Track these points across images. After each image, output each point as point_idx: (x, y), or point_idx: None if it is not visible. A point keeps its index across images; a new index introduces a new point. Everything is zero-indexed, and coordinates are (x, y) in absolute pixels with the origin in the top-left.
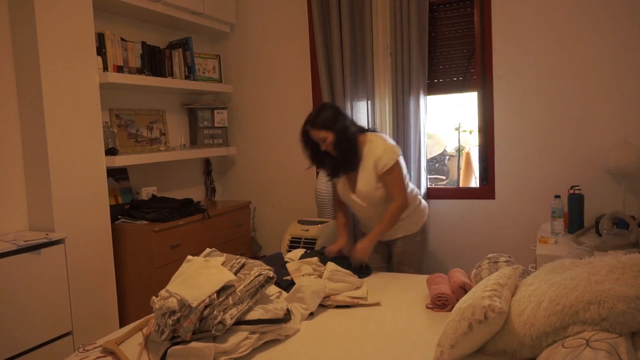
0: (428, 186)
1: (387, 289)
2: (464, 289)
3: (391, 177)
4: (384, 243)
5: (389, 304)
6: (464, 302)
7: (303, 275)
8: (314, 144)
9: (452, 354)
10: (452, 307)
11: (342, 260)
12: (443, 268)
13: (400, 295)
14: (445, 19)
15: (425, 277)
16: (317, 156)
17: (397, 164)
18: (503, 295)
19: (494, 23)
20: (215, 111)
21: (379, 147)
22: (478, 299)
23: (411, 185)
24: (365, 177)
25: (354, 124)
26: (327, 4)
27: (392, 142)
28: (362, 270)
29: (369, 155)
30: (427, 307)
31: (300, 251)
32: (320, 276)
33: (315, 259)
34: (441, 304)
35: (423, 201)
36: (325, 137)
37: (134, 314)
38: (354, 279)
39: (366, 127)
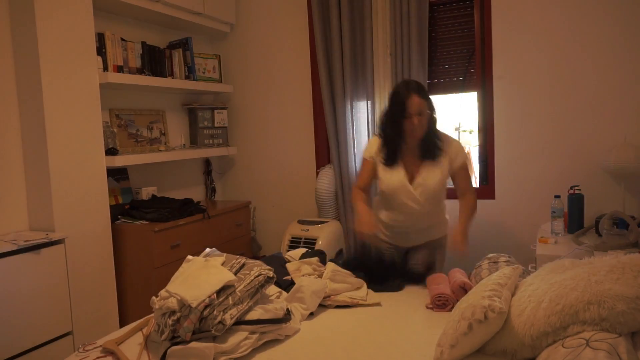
0: None
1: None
2: (464, 289)
3: (466, 173)
4: (402, 251)
5: (389, 304)
6: (464, 302)
7: (303, 275)
8: (399, 119)
9: (452, 354)
10: (452, 307)
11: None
12: (443, 268)
13: (400, 295)
14: (445, 19)
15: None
16: (396, 130)
17: (470, 167)
18: (503, 295)
19: (494, 23)
20: (215, 111)
21: (453, 141)
22: (478, 298)
23: None
24: (435, 169)
25: None
26: (327, 4)
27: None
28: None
29: (444, 147)
30: (427, 307)
31: (300, 250)
32: (320, 276)
33: (315, 259)
34: (441, 304)
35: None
36: (424, 111)
37: (134, 314)
38: (354, 279)
39: None
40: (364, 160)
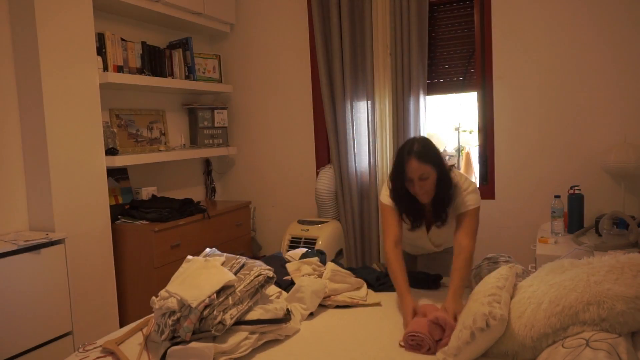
0: None
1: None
2: (439, 325)
3: (470, 219)
4: (412, 256)
5: (390, 304)
6: (464, 310)
7: (303, 275)
8: (404, 185)
9: None
10: (429, 349)
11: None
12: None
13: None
14: (445, 19)
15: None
16: (407, 198)
17: (478, 210)
18: (502, 298)
19: (494, 23)
20: (215, 111)
21: (466, 188)
22: (478, 305)
23: None
24: (444, 228)
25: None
26: (327, 4)
27: (471, 180)
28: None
29: (455, 197)
30: (400, 346)
31: (300, 250)
32: (320, 276)
33: (315, 259)
34: (415, 344)
35: None
36: (428, 175)
37: (134, 314)
38: (354, 279)
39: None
40: (386, 207)
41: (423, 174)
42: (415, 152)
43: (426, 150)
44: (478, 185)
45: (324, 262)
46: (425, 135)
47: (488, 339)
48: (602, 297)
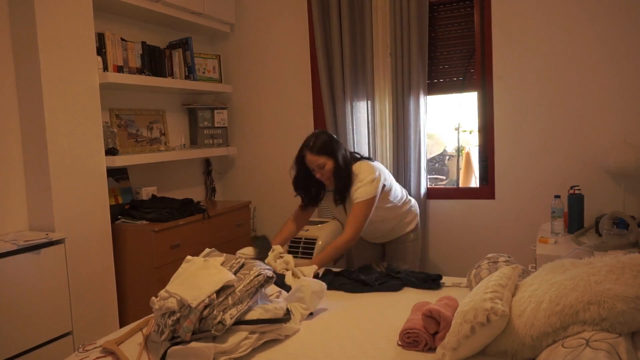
0: (428, 186)
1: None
2: (433, 318)
3: (357, 210)
4: (378, 244)
5: (389, 305)
6: (465, 304)
7: (280, 271)
8: (306, 171)
9: (454, 356)
10: (426, 345)
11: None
12: (443, 268)
13: (400, 297)
14: (445, 19)
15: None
16: (305, 183)
17: (369, 201)
18: (504, 296)
19: (494, 23)
20: (215, 111)
21: (362, 179)
22: (480, 301)
23: (401, 193)
24: (348, 204)
25: (347, 151)
26: (327, 4)
27: (377, 174)
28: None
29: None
30: (398, 345)
31: (249, 249)
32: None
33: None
34: (411, 341)
35: (412, 200)
36: (324, 164)
37: (134, 314)
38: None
39: (358, 155)
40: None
41: (320, 164)
42: (310, 146)
43: (320, 144)
44: (478, 186)
45: (264, 246)
46: (326, 131)
47: (488, 335)
48: (602, 296)
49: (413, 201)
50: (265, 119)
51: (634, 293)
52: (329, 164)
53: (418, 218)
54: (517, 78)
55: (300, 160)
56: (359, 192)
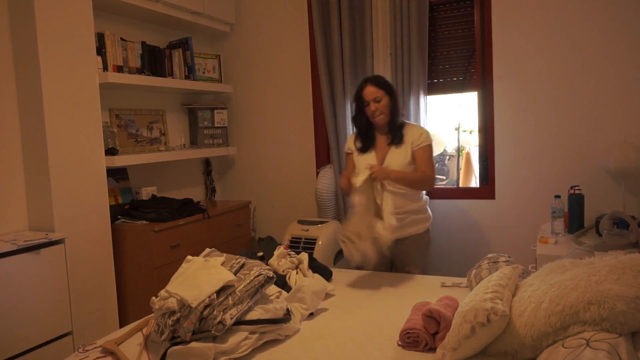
0: None
1: (389, 290)
2: (433, 318)
3: (425, 154)
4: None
5: (390, 304)
6: (465, 305)
7: (283, 271)
8: (361, 108)
9: (454, 356)
10: (426, 345)
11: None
12: (443, 268)
13: (400, 297)
14: (445, 19)
15: (430, 277)
16: (362, 120)
17: (431, 146)
18: (504, 296)
19: (494, 23)
20: (215, 111)
21: (417, 127)
22: (480, 301)
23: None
24: (399, 153)
25: None
26: (327, 4)
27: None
28: None
29: (407, 133)
30: (398, 345)
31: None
32: (297, 267)
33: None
34: (412, 341)
35: (427, 199)
36: (381, 98)
37: (134, 314)
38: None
39: None
40: (346, 155)
41: (377, 97)
42: (370, 79)
43: (379, 79)
44: (478, 186)
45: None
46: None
47: (488, 335)
48: (603, 296)
49: (428, 200)
50: (265, 119)
51: (634, 293)
52: (386, 99)
53: (430, 222)
54: (517, 78)
55: (357, 93)
56: (425, 135)
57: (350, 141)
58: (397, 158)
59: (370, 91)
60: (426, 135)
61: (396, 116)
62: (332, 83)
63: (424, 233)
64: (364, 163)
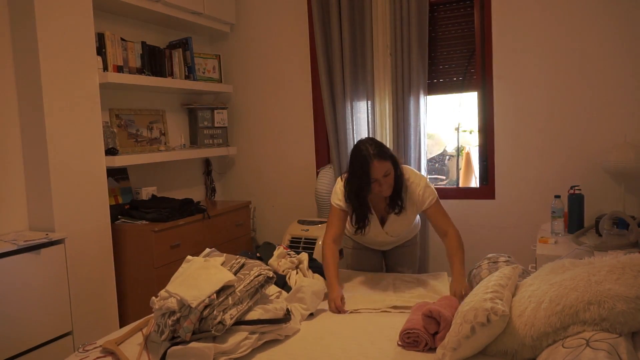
0: None
1: (389, 290)
2: (433, 318)
3: (438, 211)
4: (377, 250)
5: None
6: (465, 305)
7: (284, 271)
8: (361, 188)
9: (454, 356)
10: (426, 345)
11: None
12: (443, 268)
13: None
14: (445, 19)
15: (430, 276)
16: (362, 200)
17: (437, 196)
18: (504, 296)
19: (494, 23)
20: (215, 111)
21: (418, 183)
22: (480, 301)
23: None
24: (400, 220)
25: None
26: (327, 4)
27: (420, 173)
28: None
29: (408, 190)
30: (398, 345)
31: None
32: (297, 267)
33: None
34: (411, 341)
35: None
36: (390, 170)
37: (134, 314)
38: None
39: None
40: (334, 208)
41: (386, 172)
42: (375, 154)
43: (382, 149)
44: (478, 186)
45: (269, 251)
46: (374, 137)
47: (488, 335)
48: (602, 296)
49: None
50: (265, 119)
51: (634, 293)
52: (392, 170)
53: (419, 226)
54: (518, 78)
55: (361, 171)
56: (427, 193)
57: (340, 197)
58: (398, 227)
59: (379, 168)
60: (426, 192)
61: (400, 183)
62: (332, 83)
63: (414, 237)
64: (373, 230)
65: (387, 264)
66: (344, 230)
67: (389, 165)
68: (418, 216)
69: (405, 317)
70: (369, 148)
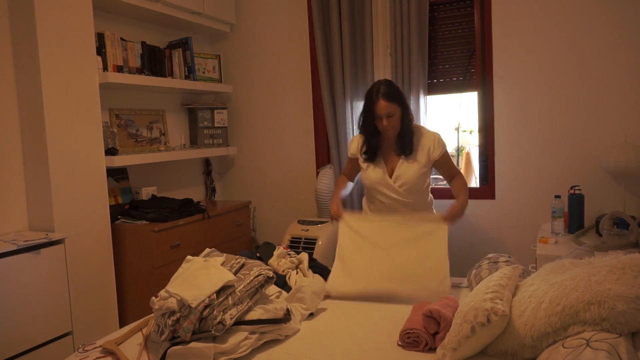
0: None
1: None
2: (433, 318)
3: (447, 160)
4: None
5: (390, 303)
6: (465, 305)
7: (284, 271)
8: (371, 121)
9: (454, 356)
10: (426, 345)
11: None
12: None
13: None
14: (445, 19)
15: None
16: (371, 132)
17: (446, 148)
18: (504, 296)
19: (494, 22)
20: (215, 111)
21: (428, 134)
22: (480, 301)
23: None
24: (410, 165)
25: None
26: (327, 4)
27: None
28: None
29: (419, 142)
30: (398, 345)
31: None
32: (297, 267)
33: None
34: (411, 341)
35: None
36: (394, 112)
37: (134, 314)
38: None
39: None
40: (348, 158)
41: (390, 112)
42: (383, 93)
43: (392, 90)
44: (478, 186)
45: (269, 251)
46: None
47: (488, 335)
48: (603, 297)
49: (434, 201)
50: (265, 119)
51: (635, 293)
52: (398, 112)
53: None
54: (518, 78)
55: (368, 107)
56: (440, 144)
57: (354, 146)
58: (408, 171)
59: (383, 106)
60: (440, 142)
61: (407, 127)
62: (332, 83)
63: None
64: (374, 174)
65: None
66: (356, 174)
67: (395, 107)
68: (431, 197)
69: (406, 314)
70: (381, 87)
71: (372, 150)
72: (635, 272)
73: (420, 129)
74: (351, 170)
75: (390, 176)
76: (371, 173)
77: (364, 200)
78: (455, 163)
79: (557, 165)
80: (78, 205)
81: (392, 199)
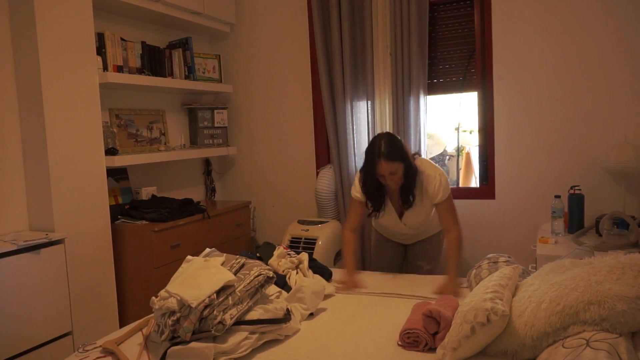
0: None
1: (390, 289)
2: (433, 318)
3: (447, 207)
4: (400, 244)
5: (390, 304)
6: (465, 305)
7: (284, 271)
8: (374, 178)
9: (454, 356)
10: (426, 345)
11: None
12: (443, 268)
13: (401, 296)
14: (445, 19)
15: (430, 277)
16: (375, 190)
17: (451, 195)
18: (504, 296)
19: (494, 23)
20: (215, 111)
21: (433, 178)
22: (480, 301)
23: None
24: (417, 213)
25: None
26: (327, 4)
27: (438, 168)
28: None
29: (422, 188)
30: (398, 345)
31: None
32: (297, 266)
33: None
34: (411, 341)
35: None
36: (397, 170)
37: (134, 314)
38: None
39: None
40: (353, 200)
41: (392, 171)
42: (383, 153)
43: (393, 149)
44: (478, 186)
45: (269, 251)
46: (390, 132)
47: (488, 335)
48: (603, 297)
49: None
50: (265, 119)
51: (635, 293)
52: (400, 169)
53: None
54: (518, 78)
55: (370, 167)
56: (441, 188)
57: (357, 189)
58: (417, 217)
59: (385, 166)
60: (442, 186)
61: (411, 181)
62: (332, 83)
63: (438, 232)
64: (385, 221)
65: (407, 256)
66: (362, 221)
67: (397, 165)
68: None
69: (406, 314)
70: (382, 145)
71: (378, 205)
72: (635, 272)
73: (424, 171)
74: (358, 215)
75: (400, 217)
76: (382, 220)
77: (373, 221)
78: (455, 165)
79: (557, 165)
80: (78, 205)
81: (403, 234)
